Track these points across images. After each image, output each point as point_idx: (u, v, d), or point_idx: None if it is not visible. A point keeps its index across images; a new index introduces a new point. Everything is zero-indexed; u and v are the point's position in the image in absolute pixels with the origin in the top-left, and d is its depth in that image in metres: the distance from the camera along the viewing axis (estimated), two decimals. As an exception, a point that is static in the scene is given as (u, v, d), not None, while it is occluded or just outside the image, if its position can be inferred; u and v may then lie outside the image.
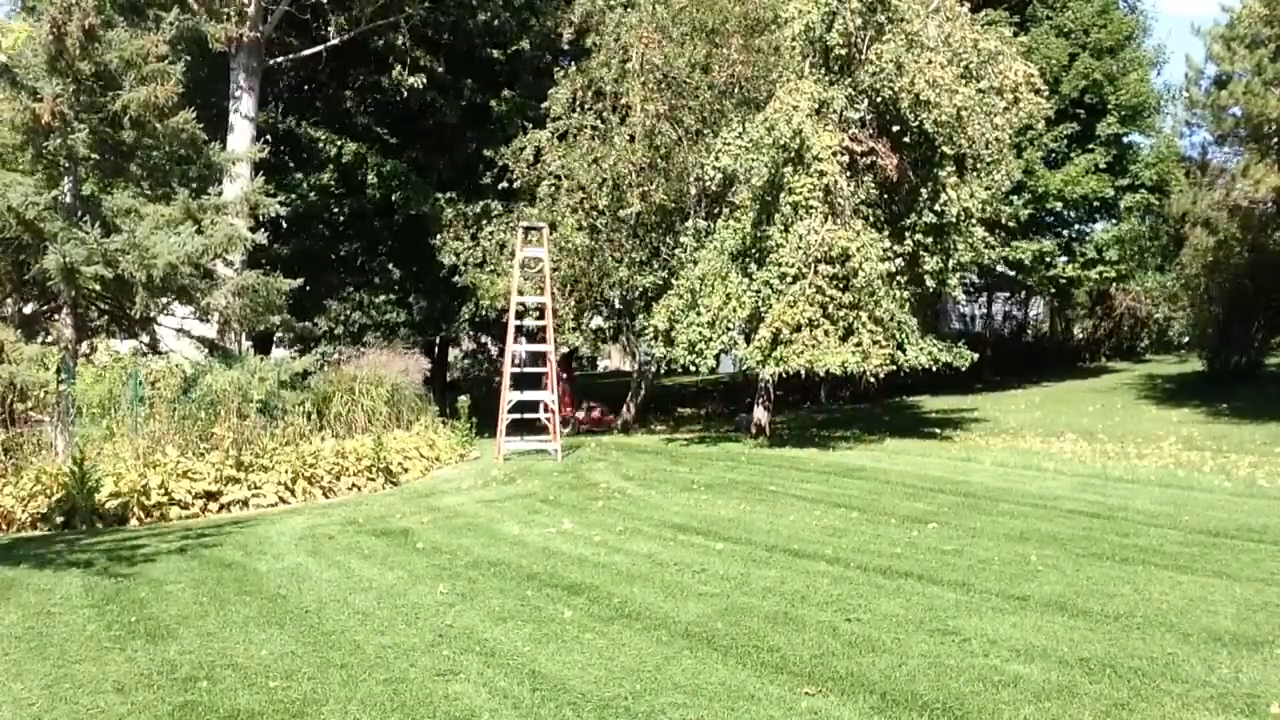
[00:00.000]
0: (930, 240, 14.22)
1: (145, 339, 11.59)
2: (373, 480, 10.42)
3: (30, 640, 4.88)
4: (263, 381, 10.64)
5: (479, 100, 20.05)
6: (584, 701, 4.01)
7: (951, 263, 14.38)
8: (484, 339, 28.35)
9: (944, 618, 5.06)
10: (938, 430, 15.67)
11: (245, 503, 9.09)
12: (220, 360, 11.24)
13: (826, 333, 13.05)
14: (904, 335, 13.79)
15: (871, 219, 14.02)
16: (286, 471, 9.59)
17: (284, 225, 19.61)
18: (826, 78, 13.89)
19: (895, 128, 14.02)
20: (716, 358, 14.65)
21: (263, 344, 18.35)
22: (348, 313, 19.87)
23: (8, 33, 7.56)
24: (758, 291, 13.71)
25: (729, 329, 14.25)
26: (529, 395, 12.91)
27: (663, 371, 20.98)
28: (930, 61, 13.29)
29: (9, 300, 10.81)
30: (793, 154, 13.22)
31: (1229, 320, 19.64)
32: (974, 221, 14.16)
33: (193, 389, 10.31)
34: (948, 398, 21.07)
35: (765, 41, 15.60)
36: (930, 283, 14.45)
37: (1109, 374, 23.93)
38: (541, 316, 13.72)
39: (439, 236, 18.24)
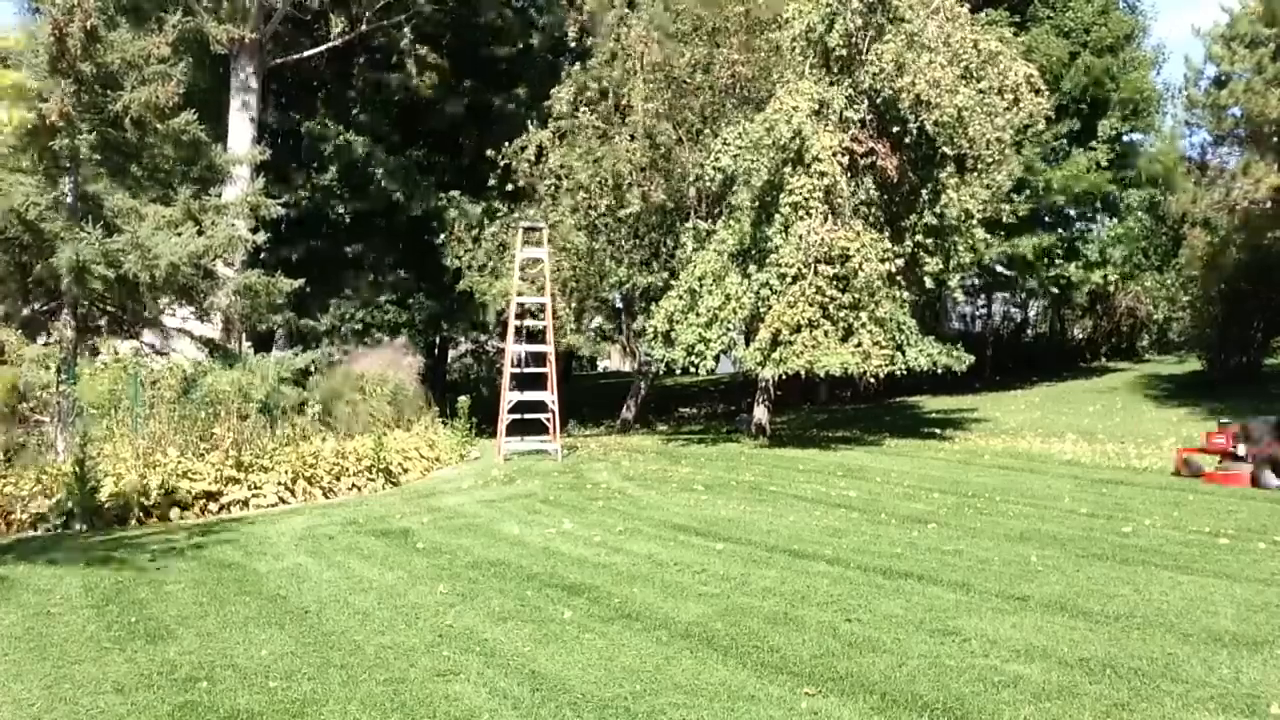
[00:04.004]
0: (930, 241, 14.22)
1: (146, 339, 11.59)
2: (373, 480, 10.42)
3: (30, 640, 4.88)
4: (263, 381, 10.64)
5: (482, 99, 20.07)
6: (584, 702, 4.01)
7: (952, 263, 14.39)
8: (484, 338, 28.37)
9: (944, 618, 5.06)
10: (938, 430, 15.67)
11: (245, 503, 9.08)
12: (221, 360, 11.24)
13: (826, 333, 13.04)
14: (904, 336, 13.80)
15: (871, 219, 14.03)
16: (286, 472, 9.58)
17: (286, 226, 19.62)
18: (827, 78, 13.89)
19: (895, 128, 14.02)
20: (716, 358, 14.65)
21: (263, 343, 18.37)
22: (352, 311, 19.89)
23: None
24: (757, 292, 13.70)
25: (728, 330, 14.25)
26: (529, 395, 12.91)
27: (663, 372, 20.99)
28: (930, 62, 13.29)
29: (10, 300, 10.81)
30: (792, 154, 13.22)
31: (1228, 320, 19.63)
32: (974, 222, 14.17)
33: (193, 389, 10.30)
34: (948, 398, 21.06)
35: (766, 41, 15.61)
36: (930, 283, 14.45)
37: (1109, 374, 23.93)
38: (542, 317, 13.72)
39: (441, 238, 18.25)
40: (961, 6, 14.55)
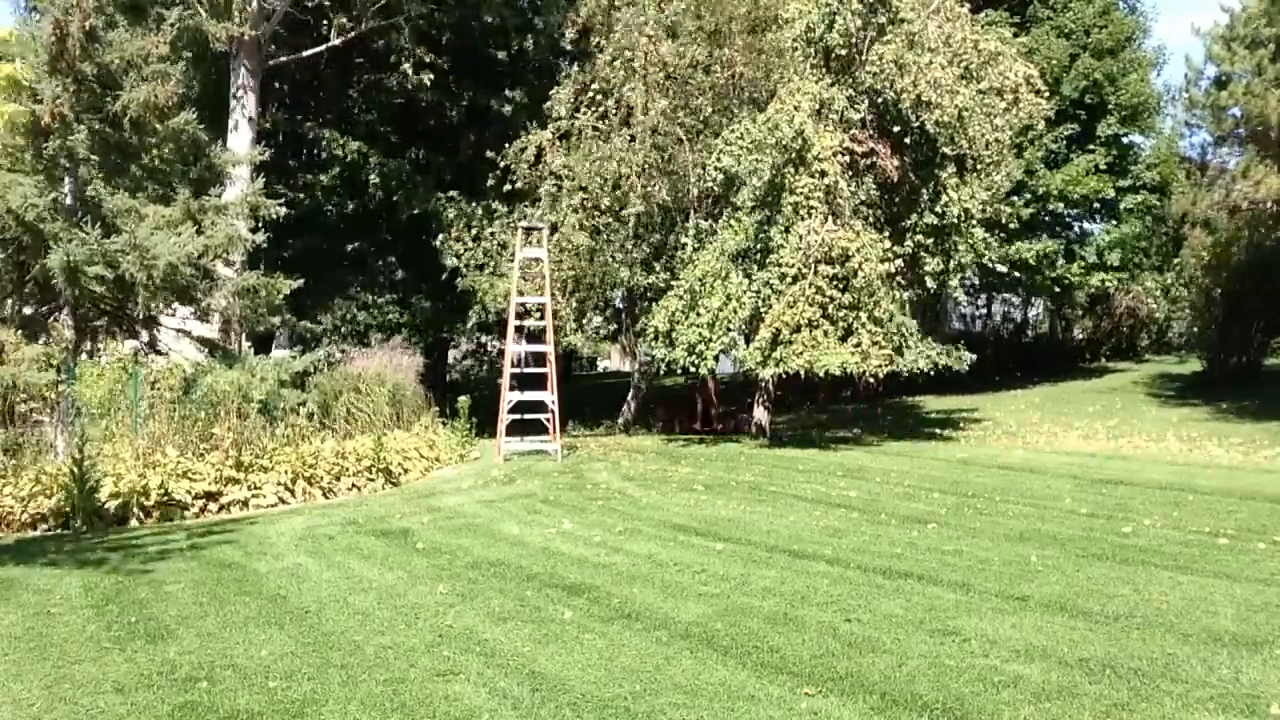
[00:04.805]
0: (931, 241, 14.22)
1: (146, 339, 11.59)
2: (372, 480, 10.42)
3: (30, 640, 4.88)
4: (263, 381, 10.63)
5: (481, 100, 20.06)
6: (584, 702, 4.01)
7: (952, 264, 14.39)
8: (484, 339, 28.38)
9: (944, 618, 5.06)
10: (938, 430, 15.67)
11: (245, 503, 9.08)
12: (221, 360, 11.24)
13: (826, 333, 13.05)
14: (903, 338, 13.79)
15: (871, 219, 14.03)
16: (286, 472, 9.58)
17: (286, 226, 19.61)
18: (827, 78, 13.90)
19: (896, 128, 14.02)
20: (716, 358, 14.65)
21: (263, 343, 18.36)
22: (352, 312, 19.88)
23: None
24: (757, 292, 13.71)
25: (729, 330, 14.25)
26: (529, 395, 12.90)
27: (663, 372, 20.98)
28: (931, 62, 13.30)
29: (9, 301, 10.81)
30: (794, 154, 13.22)
31: (1229, 320, 19.63)
32: (974, 222, 14.17)
33: (193, 389, 10.30)
34: (948, 398, 21.06)
35: (767, 42, 15.61)
36: (931, 284, 14.45)
37: (1109, 374, 23.94)
38: (542, 317, 13.72)
39: (440, 237, 18.23)
40: (962, 7, 14.55)
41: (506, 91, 19.99)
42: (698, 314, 14.14)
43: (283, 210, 12.71)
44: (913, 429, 16.23)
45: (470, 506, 8.98)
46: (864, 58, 13.85)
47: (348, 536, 7.52)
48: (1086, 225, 23.75)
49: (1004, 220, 17.24)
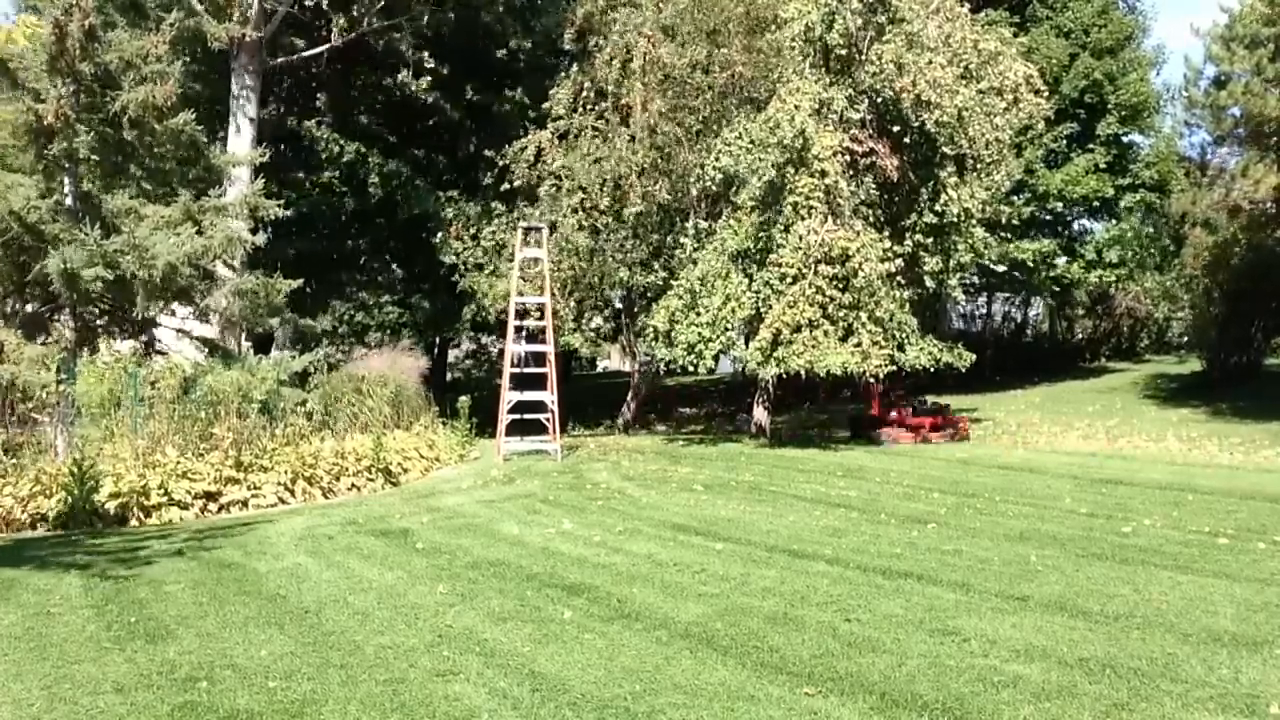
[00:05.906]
0: (930, 240, 14.23)
1: (146, 339, 11.59)
2: (372, 480, 10.41)
3: (30, 641, 4.88)
4: (263, 381, 10.63)
5: (480, 100, 20.05)
6: (584, 702, 4.01)
7: (952, 263, 14.39)
8: (483, 339, 28.37)
9: (944, 618, 5.06)
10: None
11: (245, 503, 9.09)
12: (220, 360, 11.24)
13: (826, 333, 13.05)
14: (904, 335, 13.79)
15: (871, 219, 14.03)
16: (286, 472, 9.59)
17: (285, 226, 19.61)
18: (827, 78, 13.90)
19: (895, 128, 14.02)
20: (716, 358, 14.65)
21: (263, 344, 18.35)
22: (351, 312, 19.88)
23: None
24: (758, 292, 13.71)
25: (728, 329, 14.25)
26: (529, 395, 12.90)
27: (663, 372, 20.98)
28: (930, 62, 13.31)
29: (10, 301, 10.81)
30: (794, 154, 13.23)
31: (1228, 320, 19.63)
32: (974, 222, 14.18)
33: (193, 389, 10.30)
34: (948, 398, 20.98)
35: (766, 42, 15.61)
36: (930, 283, 14.45)
37: (1109, 374, 23.93)
38: (542, 317, 13.71)
39: (439, 235, 18.24)
40: (961, 7, 14.55)
41: (506, 91, 19.98)
42: (697, 314, 14.15)
43: (282, 211, 12.70)
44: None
45: (470, 506, 8.98)
46: (863, 57, 13.85)
47: (347, 536, 7.51)
48: (1086, 224, 23.77)
49: (1004, 220, 17.24)
